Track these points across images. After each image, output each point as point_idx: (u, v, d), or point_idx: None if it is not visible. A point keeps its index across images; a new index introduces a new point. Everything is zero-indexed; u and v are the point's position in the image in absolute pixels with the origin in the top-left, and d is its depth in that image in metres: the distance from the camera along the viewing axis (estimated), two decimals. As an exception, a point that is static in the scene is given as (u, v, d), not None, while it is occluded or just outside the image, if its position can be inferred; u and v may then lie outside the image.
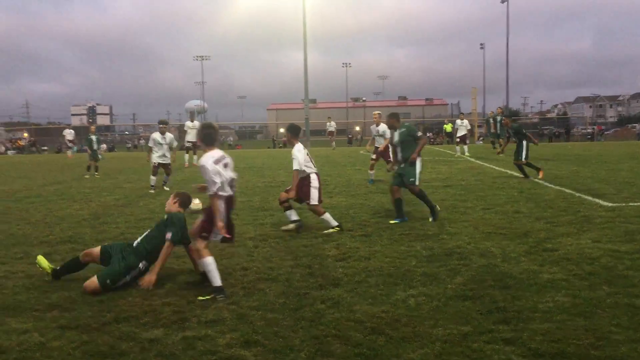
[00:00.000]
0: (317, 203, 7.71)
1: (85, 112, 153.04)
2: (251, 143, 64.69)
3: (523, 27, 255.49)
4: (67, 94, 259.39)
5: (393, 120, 8.76)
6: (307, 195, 7.70)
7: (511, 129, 14.45)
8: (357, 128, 64.40)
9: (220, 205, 5.15)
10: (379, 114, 14.39)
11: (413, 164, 8.39)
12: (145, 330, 4.19)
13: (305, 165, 7.71)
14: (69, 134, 37.36)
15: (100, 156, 18.89)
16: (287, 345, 3.84)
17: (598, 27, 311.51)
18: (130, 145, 58.41)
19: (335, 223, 7.68)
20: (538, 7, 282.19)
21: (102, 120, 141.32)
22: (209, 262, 5.06)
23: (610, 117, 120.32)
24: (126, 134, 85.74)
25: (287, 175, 15.76)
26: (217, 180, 5.09)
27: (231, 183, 5.36)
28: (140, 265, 5.45)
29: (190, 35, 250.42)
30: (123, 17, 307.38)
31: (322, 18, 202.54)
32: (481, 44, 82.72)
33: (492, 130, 26.97)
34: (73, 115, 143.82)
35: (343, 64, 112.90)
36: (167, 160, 13.40)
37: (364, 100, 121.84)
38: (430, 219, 8.24)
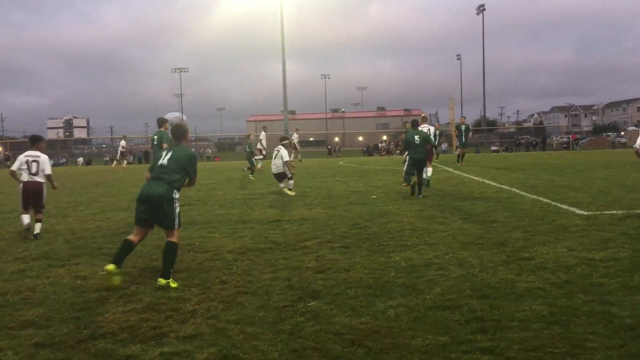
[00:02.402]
0: None
1: (61, 125, 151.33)
2: (230, 155, 64.52)
3: (503, 39, 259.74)
4: (44, 106, 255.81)
5: None
6: None
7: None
8: (337, 139, 64.67)
9: None
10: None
11: None
12: (122, 346, 4.14)
13: None
14: (122, 145, 37.51)
15: None
16: (266, 359, 3.83)
17: (577, 38, 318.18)
18: (107, 158, 57.77)
19: None
20: (518, 19, 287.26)
21: (79, 134, 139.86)
22: None
23: (585, 126, 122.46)
24: (103, 147, 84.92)
25: (266, 187, 15.75)
26: None
27: None
28: None
29: (170, 47, 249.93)
30: (105, 28, 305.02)
31: (304, 29, 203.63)
32: (458, 55, 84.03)
33: (455, 139, 27.52)
34: (49, 128, 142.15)
35: (322, 75, 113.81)
36: None
37: (343, 111, 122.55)
38: None
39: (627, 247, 6.73)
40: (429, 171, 14.56)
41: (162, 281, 5.71)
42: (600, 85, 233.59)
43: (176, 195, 6.11)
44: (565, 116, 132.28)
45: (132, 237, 6.07)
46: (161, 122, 13.55)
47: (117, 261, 5.81)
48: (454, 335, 4.11)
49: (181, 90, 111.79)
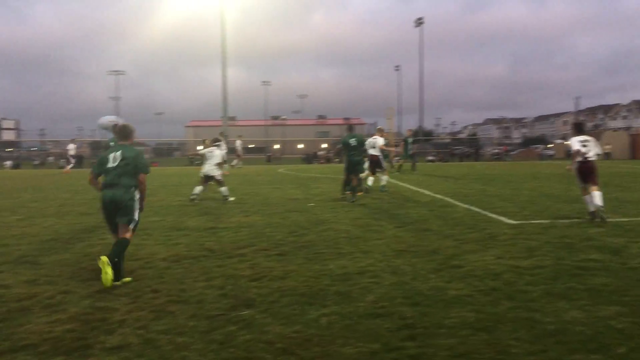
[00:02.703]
0: None
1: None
2: (168, 160, 63.22)
3: (441, 52, 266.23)
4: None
5: None
6: None
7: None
8: (277, 146, 64.63)
9: None
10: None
11: None
12: (43, 359, 3.96)
13: None
14: (72, 149, 36.00)
15: None
16: (196, 370, 3.76)
17: (511, 53, 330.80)
18: (37, 162, 55.35)
19: None
20: (456, 33, 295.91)
21: (8, 136, 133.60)
22: None
23: (516, 138, 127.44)
24: (34, 150, 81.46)
25: (204, 193, 15.50)
26: None
27: None
28: None
29: (108, 49, 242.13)
30: (39, 28, 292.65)
31: (246, 36, 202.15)
32: (396, 66, 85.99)
33: (401, 150, 28.35)
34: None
35: (263, 82, 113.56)
36: None
37: (283, 119, 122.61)
38: None
39: (551, 255, 7.03)
40: (384, 179, 15.88)
41: (104, 258, 5.84)
42: (531, 99, 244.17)
43: (136, 196, 6.36)
44: (498, 128, 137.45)
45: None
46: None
47: (109, 255, 5.94)
48: (385, 343, 4.17)
49: (117, 93, 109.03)
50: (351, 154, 13.59)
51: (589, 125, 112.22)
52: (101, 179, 6.51)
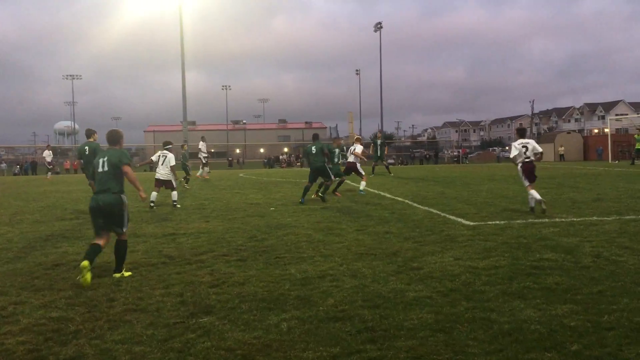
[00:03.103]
0: None
1: None
2: (126, 166, 62.03)
3: (401, 56, 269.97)
4: None
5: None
6: None
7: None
8: (238, 150, 64.20)
9: None
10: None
11: None
12: (-7, 373, 3.83)
13: None
14: (47, 155, 34.98)
15: None
16: (154, 380, 3.69)
17: (468, 58, 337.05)
18: (-12, 169, 53.60)
19: None
20: (415, 38, 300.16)
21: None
22: None
23: (474, 141, 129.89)
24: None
25: (161, 198, 15.27)
26: None
27: None
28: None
29: (64, 53, 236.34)
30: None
31: (206, 39, 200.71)
32: (357, 70, 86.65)
33: (372, 153, 28.46)
34: None
35: (223, 86, 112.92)
36: None
37: (244, 123, 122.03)
38: None
39: (507, 255, 7.17)
40: (362, 184, 17.04)
41: (117, 275, 6.47)
42: (488, 102, 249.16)
43: (125, 199, 6.67)
44: (456, 131, 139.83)
45: (98, 241, 6.52)
46: (89, 133, 13.12)
47: (90, 258, 6.22)
48: (345, 346, 4.17)
49: (73, 98, 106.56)
50: (313, 161, 14.51)
51: (544, 127, 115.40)
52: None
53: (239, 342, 4.31)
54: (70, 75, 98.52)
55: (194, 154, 30.50)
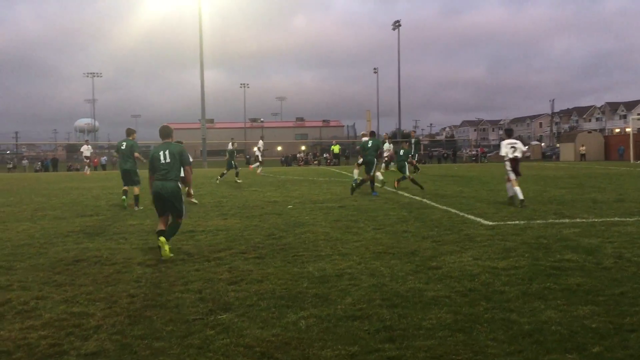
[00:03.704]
0: None
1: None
2: (146, 163, 62.64)
3: (420, 55, 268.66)
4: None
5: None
6: None
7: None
8: (255, 148, 64.42)
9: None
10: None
11: None
12: (16, 366, 3.89)
13: None
14: (86, 150, 35.68)
15: None
16: (173, 375, 3.72)
17: (489, 56, 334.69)
18: (11, 165, 54.42)
19: None
20: (435, 36, 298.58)
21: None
22: None
23: (493, 140, 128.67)
24: (7, 153, 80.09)
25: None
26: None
27: None
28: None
29: (85, 50, 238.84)
30: (17, 29, 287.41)
31: (226, 38, 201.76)
32: (374, 69, 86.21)
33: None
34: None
35: (241, 84, 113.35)
36: None
37: (262, 121, 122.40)
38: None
39: (527, 255, 7.11)
40: (379, 175, 18.10)
41: (162, 239, 7.25)
42: (508, 101, 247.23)
43: (180, 188, 7.61)
44: (475, 130, 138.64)
45: (160, 227, 7.52)
46: (130, 132, 13.67)
47: (164, 236, 7.32)
48: (363, 345, 4.16)
49: (93, 95, 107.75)
50: (366, 155, 15.59)
51: (564, 126, 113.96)
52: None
53: (257, 340, 4.32)
54: (91, 73, 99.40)
55: (240, 151, 31.76)
